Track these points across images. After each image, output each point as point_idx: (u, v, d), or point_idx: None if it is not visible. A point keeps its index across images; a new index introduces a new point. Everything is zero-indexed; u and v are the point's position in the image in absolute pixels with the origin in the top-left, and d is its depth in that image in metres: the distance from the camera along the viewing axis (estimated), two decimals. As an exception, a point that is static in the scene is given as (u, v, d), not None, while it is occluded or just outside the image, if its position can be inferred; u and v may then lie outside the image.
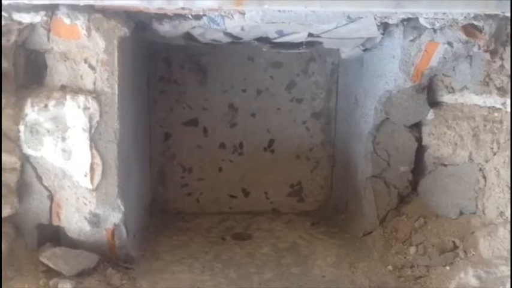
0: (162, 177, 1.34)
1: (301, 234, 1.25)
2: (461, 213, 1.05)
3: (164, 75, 1.28)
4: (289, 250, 1.17)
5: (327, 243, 1.16)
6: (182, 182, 1.34)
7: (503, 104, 0.98)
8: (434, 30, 0.96)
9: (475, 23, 0.92)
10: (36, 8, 0.85)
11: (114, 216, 0.93)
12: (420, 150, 1.12)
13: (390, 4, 0.84)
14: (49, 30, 0.86)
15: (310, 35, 1.05)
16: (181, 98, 1.31)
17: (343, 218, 1.26)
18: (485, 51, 0.97)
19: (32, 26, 0.85)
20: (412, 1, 0.86)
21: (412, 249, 1.04)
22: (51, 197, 0.91)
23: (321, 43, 1.15)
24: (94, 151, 0.87)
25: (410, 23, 0.97)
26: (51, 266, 0.88)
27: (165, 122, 1.33)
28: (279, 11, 0.87)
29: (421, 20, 0.92)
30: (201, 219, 1.26)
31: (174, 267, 1.05)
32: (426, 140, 1.10)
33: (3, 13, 0.83)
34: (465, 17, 0.93)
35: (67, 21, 0.83)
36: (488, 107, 0.95)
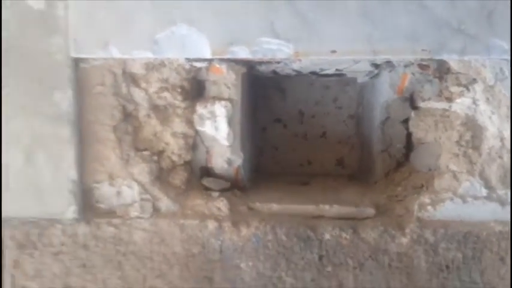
0: (261, 153, 1.81)
1: (340, 182, 1.63)
2: (429, 170, 1.41)
3: (261, 93, 1.78)
4: (330, 188, 1.55)
5: (353, 186, 1.56)
6: (272, 155, 1.81)
7: (450, 106, 1.34)
8: (404, 67, 1.36)
9: (423, 62, 1.32)
10: (204, 60, 1.30)
11: (237, 161, 1.37)
12: (408, 135, 1.46)
13: (372, 55, 1.25)
14: (208, 70, 1.33)
15: (337, 69, 1.50)
16: (271, 106, 1.82)
17: (365, 175, 1.64)
18: (434, 77, 1.35)
19: (200, 68, 1.33)
20: (384, 54, 1.25)
21: (399, 188, 1.40)
22: (207, 151, 1.39)
23: (345, 74, 1.57)
24: (229, 127, 1.33)
25: (389, 63, 1.36)
26: (207, 185, 1.37)
27: (262, 120, 1.81)
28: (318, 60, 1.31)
29: (394, 62, 1.34)
30: (282, 176, 1.72)
31: (270, 192, 1.46)
32: (411, 128, 1.44)
33: (190, 63, 1.30)
34: (415, 60, 1.32)
35: (217, 66, 1.31)
36: (442, 109, 1.36)
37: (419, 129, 1.43)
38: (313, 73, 1.59)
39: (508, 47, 1.22)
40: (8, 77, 1.26)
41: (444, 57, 1.26)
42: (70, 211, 1.31)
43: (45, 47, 1.24)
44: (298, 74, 1.58)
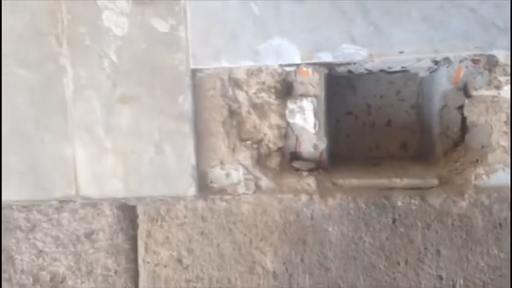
0: (335, 141, 2.01)
1: (405, 162, 1.84)
2: (482, 147, 1.61)
3: (335, 90, 2.01)
4: (398, 166, 1.79)
5: (417, 164, 1.77)
6: (345, 142, 2.04)
7: (498, 93, 1.56)
8: (459, 62, 1.58)
9: (476, 57, 1.53)
10: (293, 65, 1.58)
11: (322, 145, 1.61)
12: (463, 119, 1.68)
13: (433, 53, 1.50)
14: (296, 73, 1.61)
15: (402, 67, 1.74)
16: (344, 101, 2.06)
17: (426, 156, 1.85)
18: (485, 69, 1.56)
19: (290, 72, 1.60)
20: (443, 52, 1.50)
21: (458, 163, 1.62)
22: (296, 139, 1.63)
23: (408, 70, 1.82)
24: (315, 118, 1.58)
25: (447, 59, 1.58)
26: (297, 166, 1.63)
27: (336, 113, 2.04)
28: (388, 60, 1.55)
29: (451, 58, 1.56)
30: (355, 159, 1.95)
31: (348, 171, 1.73)
32: (465, 113, 1.64)
33: (282, 67, 1.58)
34: (469, 56, 1.54)
35: (304, 69, 1.57)
36: (492, 95, 1.57)
37: (473, 114, 1.64)
38: (382, 71, 1.85)
39: (546, 41, 1.47)
40: (140, 85, 1.59)
41: (493, 52, 1.50)
42: (191, 190, 1.61)
43: (170, 62, 1.56)
44: (369, 72, 1.84)
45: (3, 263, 1.70)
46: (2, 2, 1.57)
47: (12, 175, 1.65)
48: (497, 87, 1.58)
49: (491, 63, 1.58)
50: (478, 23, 1.47)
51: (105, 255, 1.68)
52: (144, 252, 1.68)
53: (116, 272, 1.68)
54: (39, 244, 1.69)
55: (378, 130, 2.05)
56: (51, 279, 1.70)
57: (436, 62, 1.65)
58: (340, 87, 2.04)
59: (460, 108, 1.69)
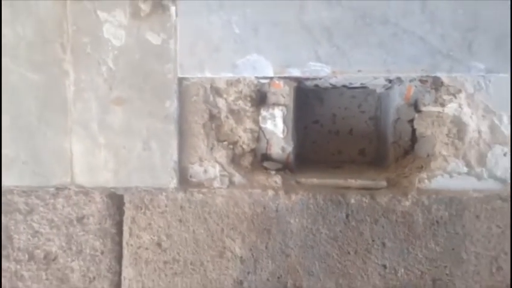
0: (303, 146, 2.20)
1: (362, 166, 2.04)
2: (427, 155, 1.82)
3: (305, 101, 2.19)
4: (355, 170, 2.03)
5: (372, 168, 1.95)
6: (312, 146, 2.22)
7: (443, 109, 1.77)
8: (409, 81, 1.81)
9: (423, 78, 1.75)
10: (267, 78, 1.81)
11: (289, 148, 1.84)
12: (413, 131, 1.89)
13: (387, 73, 1.71)
14: (269, 84, 1.82)
15: (361, 83, 1.97)
16: (312, 111, 2.25)
17: (381, 162, 2.04)
18: (431, 89, 1.79)
19: (264, 83, 1.81)
20: (395, 73, 1.72)
21: (406, 169, 1.81)
22: (267, 142, 1.83)
23: (367, 87, 2.02)
24: (284, 125, 1.80)
25: (399, 79, 1.81)
26: (267, 166, 1.81)
27: (305, 121, 2.22)
28: (348, 77, 1.78)
29: (402, 78, 1.79)
30: (319, 163, 2.12)
31: (311, 172, 1.93)
32: (415, 126, 1.84)
33: (258, 79, 1.79)
34: (417, 77, 1.78)
35: (276, 82, 1.77)
36: (437, 111, 1.77)
37: (421, 126, 1.86)
38: (344, 86, 2.08)
39: (482, 66, 1.72)
40: (133, 89, 1.81)
41: (437, 74, 1.72)
42: (172, 183, 1.82)
43: (160, 70, 1.78)
44: (333, 86, 2.07)
45: (3, 244, 1.90)
46: (16, 12, 1.79)
47: (16, 163, 1.85)
48: (442, 105, 1.82)
49: (437, 83, 1.82)
50: (425, 49, 1.70)
51: (93, 237, 1.89)
52: (128, 236, 1.90)
53: (102, 252, 1.89)
54: (36, 225, 1.89)
55: (341, 137, 2.28)
56: (45, 257, 1.90)
57: (390, 81, 1.90)
58: (309, 98, 2.27)
59: (411, 121, 1.92)
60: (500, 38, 1.67)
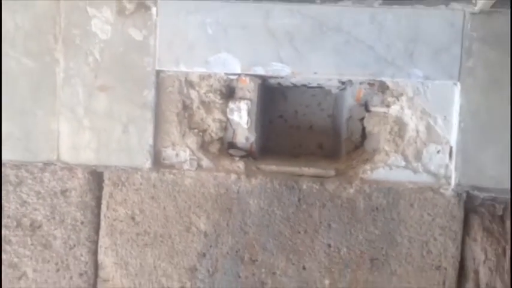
0: (268, 138, 2.41)
1: (319, 158, 2.26)
2: (373, 150, 2.03)
3: (271, 98, 2.38)
4: (311, 160, 2.20)
5: (326, 159, 2.11)
6: (276, 139, 2.43)
7: (387, 110, 1.96)
8: (360, 84, 2.00)
9: (371, 82, 1.94)
10: (235, 74, 2.00)
11: (252, 138, 2.02)
12: (363, 128, 2.09)
13: (339, 76, 1.95)
14: (237, 80, 2.00)
15: (318, 84, 2.15)
16: (276, 107, 2.42)
17: (335, 154, 2.23)
18: (378, 91, 2.00)
19: (232, 79, 2.02)
20: (346, 76, 1.95)
21: (354, 161, 2.03)
22: (233, 131, 2.02)
23: (323, 87, 2.23)
24: (249, 117, 2.01)
25: (350, 81, 2.01)
26: (232, 153, 1.98)
27: (270, 116, 2.42)
28: (306, 77, 1.99)
29: (353, 81, 1.98)
30: (282, 154, 2.29)
31: (271, 160, 2.12)
32: (365, 124, 2.07)
33: (227, 75, 2.00)
34: (366, 80, 1.98)
35: (243, 78, 1.97)
36: (383, 112, 1.97)
37: (370, 125, 2.07)
38: (304, 85, 2.30)
39: (421, 74, 1.94)
40: (116, 78, 2.03)
41: (382, 79, 1.96)
42: (147, 164, 2.02)
43: (140, 63, 2.00)
44: (295, 85, 2.29)
45: (-7, 209, 2.13)
46: (16, 5, 2.03)
47: (9, 140, 2.07)
48: (387, 106, 2.05)
49: (383, 87, 2.05)
50: (373, 56, 1.93)
51: (75, 209, 2.10)
52: (106, 209, 2.10)
53: (82, 222, 2.11)
54: (24, 196, 2.11)
55: (302, 132, 2.42)
56: (31, 225, 2.12)
57: (343, 83, 2.13)
58: (275, 95, 2.39)
59: (362, 119, 2.16)
60: (437, 49, 1.91)
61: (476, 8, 1.87)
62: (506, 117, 1.90)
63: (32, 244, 2.11)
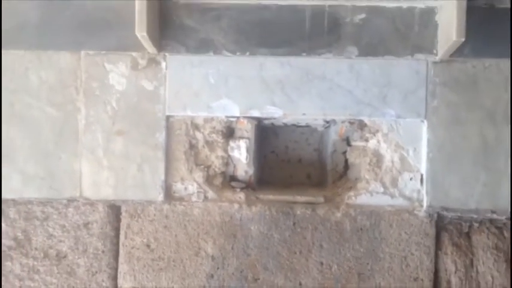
0: (262, 170, 2.57)
1: (307, 187, 2.43)
2: (356, 179, 2.22)
3: (264, 136, 2.57)
4: (302, 189, 2.36)
5: (314, 188, 2.37)
6: (269, 171, 2.58)
7: (366, 144, 2.20)
8: (341, 122, 2.22)
9: (351, 121, 2.17)
10: (235, 117, 2.20)
11: (250, 172, 2.21)
12: (346, 160, 2.29)
13: (324, 116, 2.17)
14: (236, 122, 2.19)
15: (306, 123, 2.34)
16: (269, 143, 2.64)
17: (322, 184, 2.48)
18: (358, 128, 2.23)
19: (232, 121, 2.31)
20: (330, 116, 2.16)
21: (340, 189, 2.21)
22: (234, 166, 2.20)
23: (311, 126, 2.41)
24: (247, 153, 2.35)
25: (334, 120, 2.20)
26: (233, 185, 2.22)
27: (264, 151, 2.58)
28: (296, 118, 2.23)
29: (336, 120, 2.18)
30: (275, 184, 2.52)
31: (268, 190, 2.31)
32: (347, 156, 2.27)
33: (227, 118, 2.24)
34: (347, 119, 2.21)
35: (242, 120, 2.19)
36: (362, 146, 2.21)
37: (351, 157, 2.29)
38: (293, 125, 2.45)
39: (394, 113, 2.27)
40: (131, 124, 2.30)
41: (361, 118, 2.18)
42: (160, 197, 2.20)
43: (152, 110, 2.26)
44: (285, 125, 2.44)
45: (23, 244, 2.34)
46: (40, 59, 2.31)
47: (35, 180, 2.31)
48: (366, 140, 2.31)
49: (362, 125, 2.33)
50: (352, 99, 2.20)
51: (96, 239, 2.34)
52: (124, 239, 2.25)
53: (103, 251, 2.34)
54: (50, 229, 2.34)
55: (292, 165, 2.60)
56: (57, 255, 2.34)
57: (327, 122, 2.39)
58: (268, 133, 2.55)
59: (344, 153, 2.37)
60: (406, 92, 2.19)
61: (437, 58, 2.16)
62: (466, 148, 2.22)
63: (58, 272, 2.33)
